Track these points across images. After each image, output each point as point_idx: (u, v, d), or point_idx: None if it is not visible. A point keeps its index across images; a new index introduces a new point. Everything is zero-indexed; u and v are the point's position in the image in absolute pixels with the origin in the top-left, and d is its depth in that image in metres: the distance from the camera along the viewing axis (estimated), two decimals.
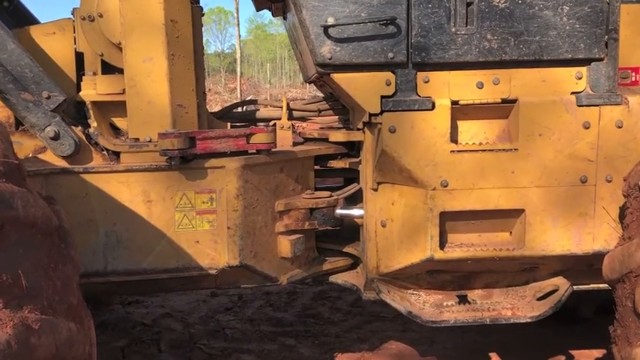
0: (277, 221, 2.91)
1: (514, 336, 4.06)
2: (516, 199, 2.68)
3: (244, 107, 3.81)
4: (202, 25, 3.06)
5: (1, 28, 2.61)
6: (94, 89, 2.89)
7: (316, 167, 3.14)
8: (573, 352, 3.97)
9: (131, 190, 2.65)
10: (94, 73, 2.94)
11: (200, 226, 2.71)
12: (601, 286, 2.82)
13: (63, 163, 2.69)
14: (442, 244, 2.75)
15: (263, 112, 3.39)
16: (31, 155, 2.74)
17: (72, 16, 2.97)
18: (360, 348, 4.16)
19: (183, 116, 2.82)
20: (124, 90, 2.80)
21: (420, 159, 2.64)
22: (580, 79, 2.66)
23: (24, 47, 2.67)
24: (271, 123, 3.25)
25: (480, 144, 2.69)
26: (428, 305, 2.98)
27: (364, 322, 4.64)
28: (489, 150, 2.66)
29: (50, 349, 1.75)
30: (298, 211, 2.94)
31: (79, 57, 2.97)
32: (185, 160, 2.66)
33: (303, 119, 3.46)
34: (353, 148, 3.16)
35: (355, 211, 3.00)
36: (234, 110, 3.51)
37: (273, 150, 2.84)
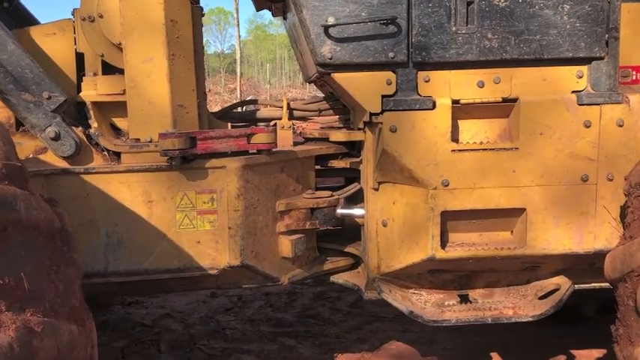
0: (278, 221, 2.90)
1: (514, 336, 4.05)
2: (517, 198, 2.68)
3: (244, 107, 3.80)
4: (202, 26, 3.06)
5: (1, 28, 2.60)
6: (94, 90, 2.88)
7: (317, 167, 3.14)
8: (574, 352, 3.96)
9: (132, 191, 2.65)
10: (95, 74, 2.93)
11: (201, 227, 2.71)
12: (603, 285, 2.82)
13: (64, 164, 2.68)
14: (443, 244, 2.74)
15: (263, 112, 3.38)
16: (31, 156, 2.74)
17: (72, 17, 2.96)
18: (360, 348, 4.16)
19: (183, 116, 2.82)
20: (124, 90, 2.80)
21: (420, 158, 2.64)
22: (581, 77, 2.67)
23: (24, 48, 2.66)
24: (272, 123, 3.24)
25: (481, 143, 2.69)
26: (429, 305, 2.98)
27: (364, 322, 4.63)
28: (490, 149, 2.66)
29: (52, 351, 1.74)
30: (299, 210, 2.94)
31: (80, 57, 2.96)
32: (186, 160, 2.65)
33: (303, 119, 3.46)
34: (354, 148, 3.16)
35: (356, 211, 3.00)
36: (235, 110, 3.51)
37: (273, 150, 2.84)
